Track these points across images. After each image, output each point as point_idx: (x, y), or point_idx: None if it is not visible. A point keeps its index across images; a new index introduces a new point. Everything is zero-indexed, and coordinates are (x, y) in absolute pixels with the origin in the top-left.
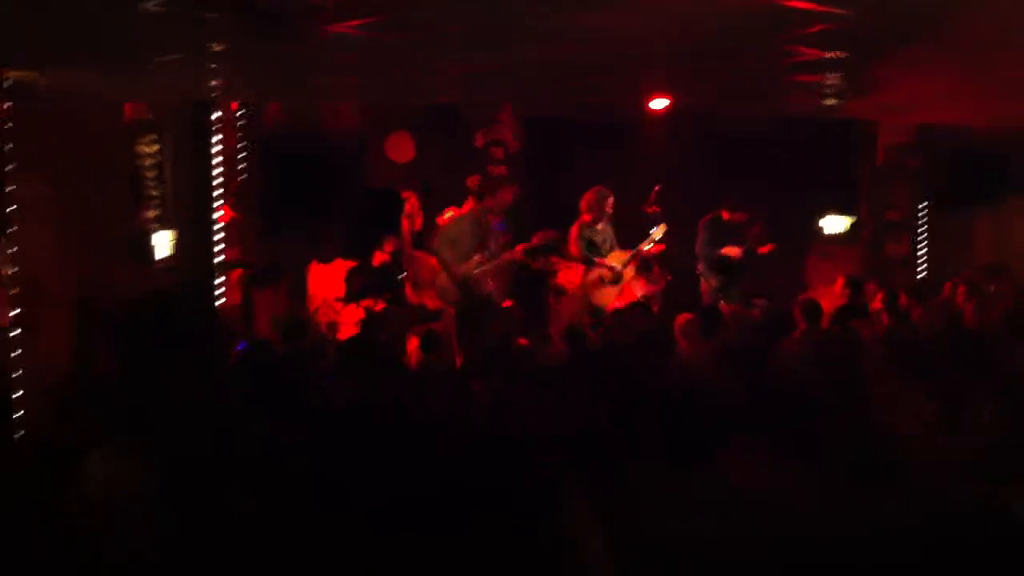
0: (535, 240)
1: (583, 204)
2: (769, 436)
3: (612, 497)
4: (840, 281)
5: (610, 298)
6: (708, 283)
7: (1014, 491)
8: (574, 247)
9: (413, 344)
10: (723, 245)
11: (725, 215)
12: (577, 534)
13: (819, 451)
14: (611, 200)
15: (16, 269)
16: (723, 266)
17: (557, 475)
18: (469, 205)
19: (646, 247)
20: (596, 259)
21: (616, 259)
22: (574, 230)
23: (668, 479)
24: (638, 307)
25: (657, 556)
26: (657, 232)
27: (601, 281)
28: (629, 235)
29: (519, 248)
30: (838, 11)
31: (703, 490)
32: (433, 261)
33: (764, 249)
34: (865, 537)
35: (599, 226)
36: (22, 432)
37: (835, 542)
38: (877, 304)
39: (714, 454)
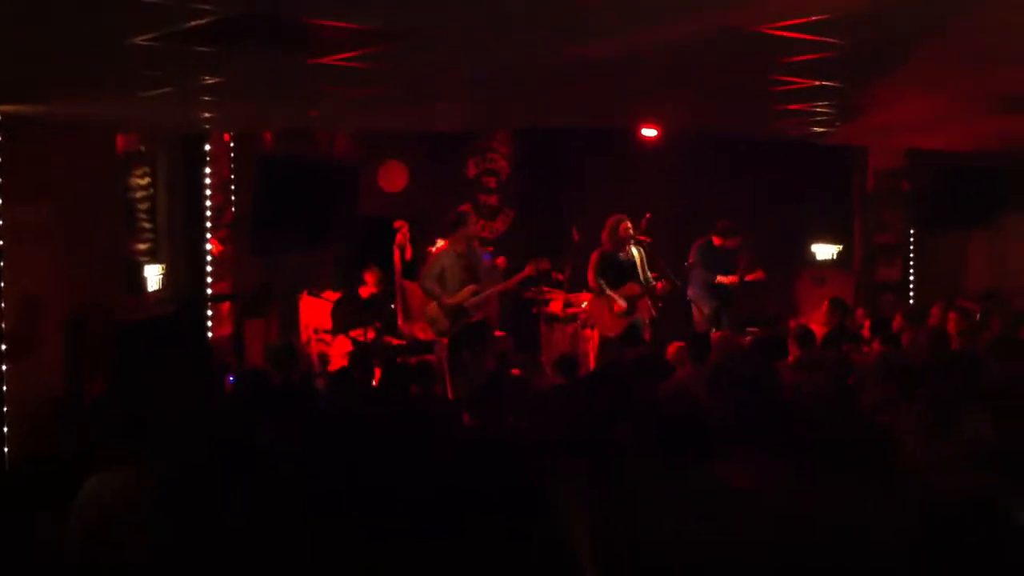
0: (528, 269)
1: (603, 234)
2: (763, 451)
3: (602, 507)
4: (826, 305)
5: (617, 329)
6: (700, 310)
7: (1007, 496)
8: (590, 275)
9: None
10: (715, 269)
11: (716, 241)
12: (567, 542)
13: (812, 461)
14: (625, 225)
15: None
16: (716, 289)
17: (548, 482)
18: (451, 236)
19: (659, 286)
20: (608, 291)
21: (631, 291)
22: (593, 258)
23: (659, 488)
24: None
25: (645, 560)
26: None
27: (608, 310)
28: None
29: (514, 279)
30: (827, 40)
31: (695, 496)
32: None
33: (752, 276)
34: (855, 543)
35: (622, 254)
36: (7, 450)
37: (825, 547)
38: (866, 331)
39: (706, 467)
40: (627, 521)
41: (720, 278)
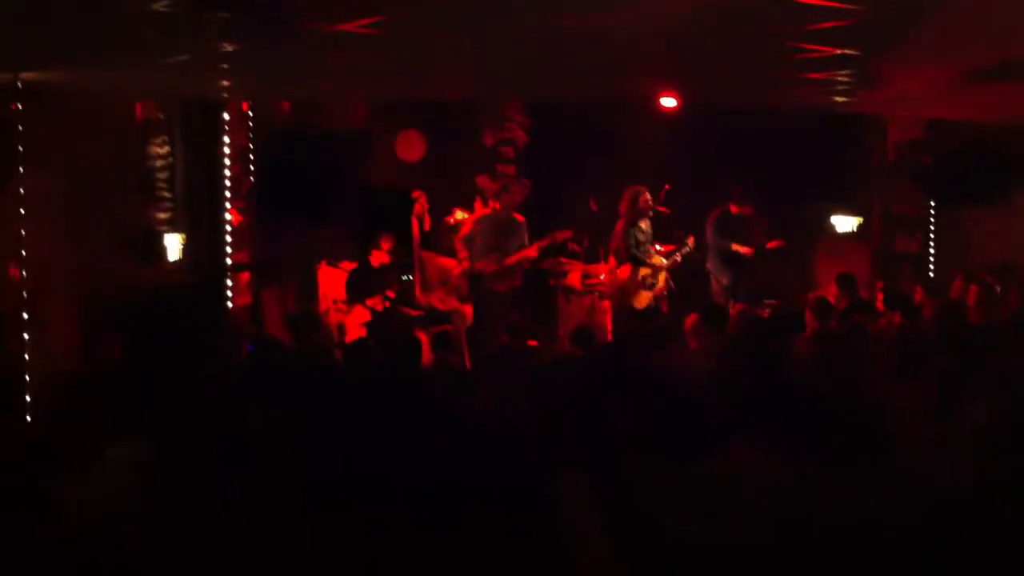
0: (548, 239)
1: (621, 205)
2: (773, 431)
3: (612, 491)
4: (834, 286)
5: (646, 301)
6: (718, 281)
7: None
8: (622, 245)
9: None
10: (732, 238)
11: (733, 209)
12: (577, 528)
13: (822, 446)
14: (645, 197)
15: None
16: (733, 260)
17: (557, 469)
18: (478, 205)
19: (679, 257)
20: (648, 259)
21: (656, 261)
22: (618, 228)
23: (669, 472)
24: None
25: (658, 547)
26: (688, 246)
27: (643, 283)
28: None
29: (535, 246)
30: (846, 6)
31: (704, 483)
32: (441, 261)
33: (773, 244)
34: (863, 532)
35: (643, 224)
36: (29, 419)
37: (835, 537)
38: (880, 304)
39: (716, 448)
40: (629, 515)
41: (735, 247)
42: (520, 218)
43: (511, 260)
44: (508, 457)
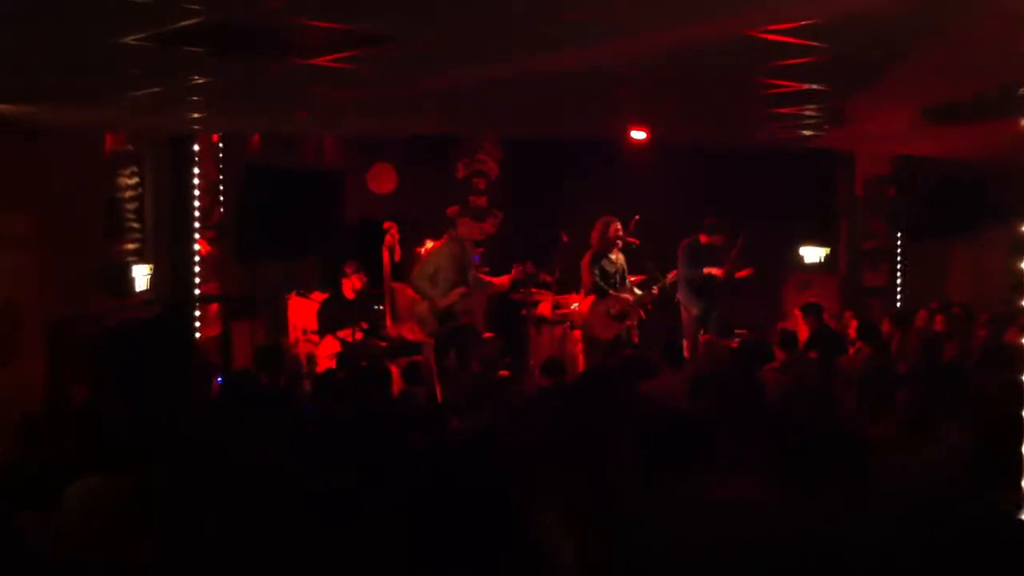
0: (514, 272)
1: (592, 235)
2: (741, 459)
3: (585, 519)
4: (799, 313)
5: (612, 332)
6: (688, 312)
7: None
8: (586, 276)
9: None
10: (701, 262)
11: (703, 238)
12: (551, 557)
13: (789, 471)
14: (615, 226)
15: None
16: (705, 287)
17: (530, 498)
18: (445, 237)
19: (656, 291)
20: (610, 291)
21: (629, 294)
22: (586, 259)
23: (642, 500)
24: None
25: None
26: (668, 279)
27: (607, 314)
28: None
29: (504, 279)
30: (814, 44)
31: (678, 511)
32: (412, 292)
33: (743, 273)
34: (836, 557)
35: (612, 255)
36: None
37: (809, 563)
38: (852, 333)
39: (687, 472)
40: (609, 532)
41: (707, 269)
42: (471, 247)
43: (476, 294)
44: (480, 486)
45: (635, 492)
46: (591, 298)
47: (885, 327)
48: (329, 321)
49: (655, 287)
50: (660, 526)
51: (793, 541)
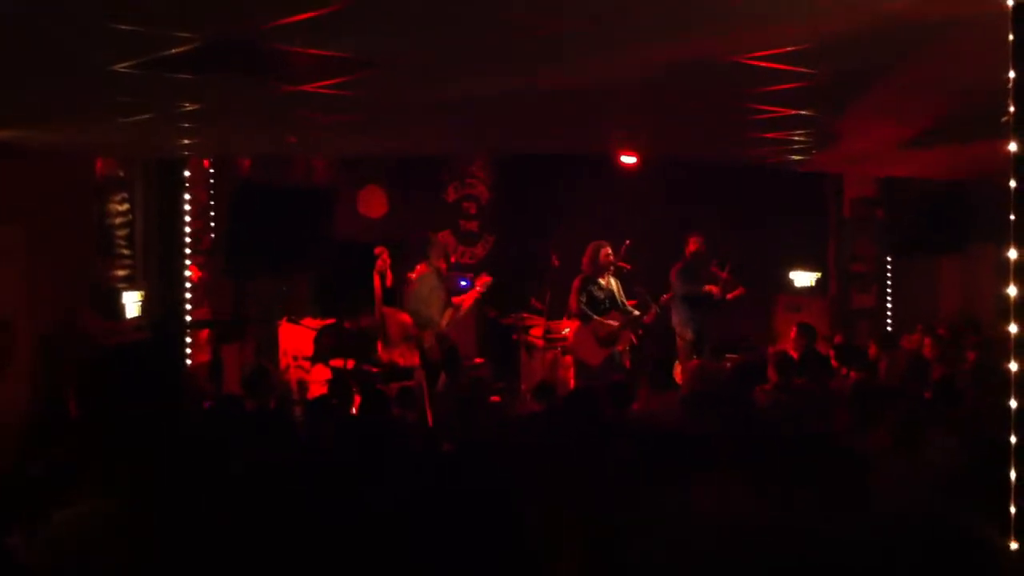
0: (478, 285)
1: (583, 260)
2: (734, 476)
3: (580, 537)
4: (794, 330)
5: (599, 358)
6: (683, 338)
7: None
8: (573, 301)
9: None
10: (697, 280)
11: (689, 250)
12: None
13: (782, 486)
14: (606, 251)
15: None
16: (698, 311)
17: (523, 518)
18: (441, 262)
19: (646, 319)
20: (595, 317)
21: (615, 319)
22: (575, 284)
23: (636, 517)
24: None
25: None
26: (663, 300)
27: (594, 339)
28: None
29: (469, 296)
30: (801, 69)
31: (669, 528)
32: (403, 316)
33: (734, 293)
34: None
35: (601, 280)
36: None
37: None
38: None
39: (678, 492)
40: (600, 545)
41: (708, 287)
42: (446, 272)
43: (459, 315)
44: (472, 510)
45: (621, 515)
46: (575, 323)
47: (872, 350)
48: (326, 349)
49: (654, 307)
50: (645, 547)
51: (780, 555)
